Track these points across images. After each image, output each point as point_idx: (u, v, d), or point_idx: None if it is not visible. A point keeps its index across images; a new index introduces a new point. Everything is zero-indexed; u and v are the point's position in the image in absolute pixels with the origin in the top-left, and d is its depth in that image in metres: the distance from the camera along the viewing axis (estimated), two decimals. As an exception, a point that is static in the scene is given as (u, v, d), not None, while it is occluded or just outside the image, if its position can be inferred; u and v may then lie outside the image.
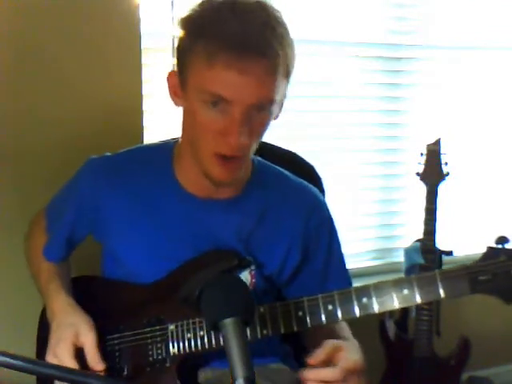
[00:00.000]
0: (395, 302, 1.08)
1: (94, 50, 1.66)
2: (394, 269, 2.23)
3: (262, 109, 1.07)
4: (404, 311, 2.12)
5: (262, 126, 1.10)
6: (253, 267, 1.19)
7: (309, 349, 1.26)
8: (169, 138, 1.35)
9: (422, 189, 1.97)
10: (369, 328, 1.98)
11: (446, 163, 1.94)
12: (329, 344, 1.03)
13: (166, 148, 1.26)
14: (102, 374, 1.12)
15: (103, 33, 1.66)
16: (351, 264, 2.21)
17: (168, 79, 1.15)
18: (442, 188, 1.96)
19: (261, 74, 1.03)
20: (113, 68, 1.69)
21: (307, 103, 2.10)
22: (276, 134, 1.78)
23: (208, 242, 1.19)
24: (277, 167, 1.30)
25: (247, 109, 1.04)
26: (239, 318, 0.83)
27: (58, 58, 1.63)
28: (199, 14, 1.08)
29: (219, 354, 1.16)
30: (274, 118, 1.15)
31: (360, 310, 1.09)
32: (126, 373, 1.17)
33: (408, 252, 2.05)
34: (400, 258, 2.14)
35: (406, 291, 1.08)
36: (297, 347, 1.34)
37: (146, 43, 1.72)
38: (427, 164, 1.95)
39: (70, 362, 1.10)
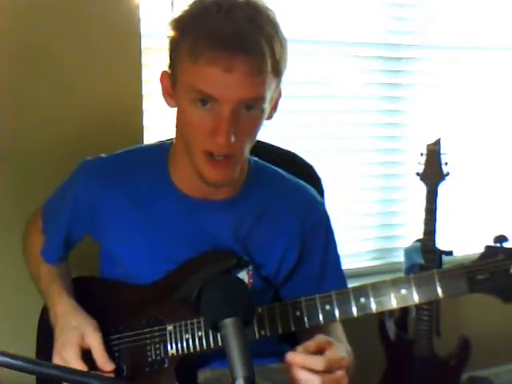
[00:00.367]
0: (393, 302, 1.08)
1: (94, 49, 1.66)
2: (393, 269, 2.23)
3: (252, 107, 1.06)
4: (404, 311, 2.12)
5: (253, 125, 1.10)
6: (250, 267, 1.19)
7: None
8: (169, 138, 1.35)
9: (422, 189, 1.97)
10: (369, 328, 1.99)
11: (446, 163, 1.94)
12: (320, 337, 1.02)
13: (161, 149, 1.25)
14: (110, 374, 1.12)
15: (103, 33, 1.66)
16: (351, 264, 2.24)
17: (161, 80, 1.15)
18: (442, 188, 1.96)
19: (247, 71, 1.02)
20: (113, 68, 1.69)
21: (307, 103, 2.10)
22: (276, 134, 1.80)
23: (206, 243, 1.19)
24: (273, 167, 1.30)
25: (235, 107, 1.03)
26: (239, 318, 0.82)
27: (58, 58, 1.64)
28: (187, 14, 1.08)
29: (219, 355, 1.16)
30: (268, 118, 1.14)
31: (358, 310, 1.09)
32: (125, 373, 1.17)
33: (408, 252, 2.05)
34: (400, 257, 2.14)
35: (403, 291, 1.07)
36: (295, 347, 1.34)
37: (145, 43, 1.72)
38: (427, 164, 1.95)
39: (78, 365, 1.11)
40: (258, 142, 1.47)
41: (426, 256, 1.96)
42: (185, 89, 1.07)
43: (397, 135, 2.28)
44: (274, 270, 1.25)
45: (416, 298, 1.07)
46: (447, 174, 1.94)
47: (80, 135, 1.66)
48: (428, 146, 1.96)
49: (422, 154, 1.96)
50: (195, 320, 1.14)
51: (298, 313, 1.11)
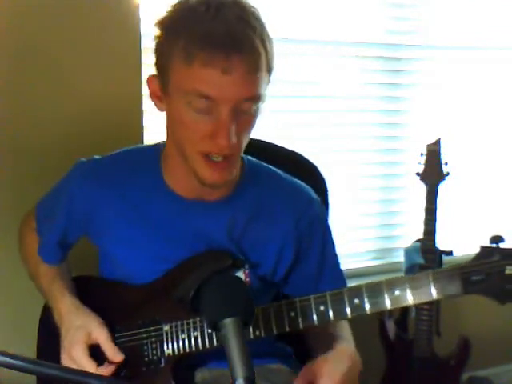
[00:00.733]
0: (387, 303, 1.07)
1: (94, 49, 1.66)
2: (393, 269, 2.22)
3: (249, 106, 1.06)
4: (404, 311, 2.12)
5: (250, 124, 1.10)
6: (246, 266, 1.18)
7: (311, 348, 1.26)
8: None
9: (422, 189, 1.97)
10: (369, 328, 1.98)
11: (446, 163, 1.94)
12: (306, 369, 1.06)
13: (154, 150, 1.25)
14: (121, 363, 1.14)
15: (103, 33, 1.66)
16: (351, 264, 2.24)
17: (148, 84, 1.14)
18: (442, 188, 1.96)
19: (244, 71, 1.02)
20: (113, 68, 1.69)
21: (307, 103, 2.10)
22: (276, 134, 1.80)
23: (201, 243, 1.19)
24: (269, 166, 1.29)
25: (234, 107, 1.04)
26: (239, 318, 0.82)
27: (58, 58, 1.64)
28: (173, 15, 1.07)
29: (216, 355, 1.16)
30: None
31: (352, 310, 1.08)
32: (123, 373, 1.17)
33: (408, 252, 2.05)
34: (400, 258, 2.14)
35: (397, 292, 1.07)
36: (298, 347, 1.34)
37: (145, 43, 1.71)
38: (427, 164, 1.95)
39: (87, 362, 1.12)
40: (262, 141, 1.48)
41: (426, 256, 1.95)
42: (179, 92, 1.06)
43: (397, 135, 2.28)
44: (270, 270, 1.24)
45: (410, 299, 1.07)
46: (447, 174, 1.94)
47: (80, 135, 1.66)
48: (428, 146, 1.96)
49: (422, 154, 1.96)
50: (191, 320, 1.14)
51: (292, 313, 1.11)
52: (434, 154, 1.94)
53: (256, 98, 1.06)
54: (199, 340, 1.13)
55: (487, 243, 1.08)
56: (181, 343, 1.14)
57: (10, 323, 1.70)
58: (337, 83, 2.12)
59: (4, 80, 1.60)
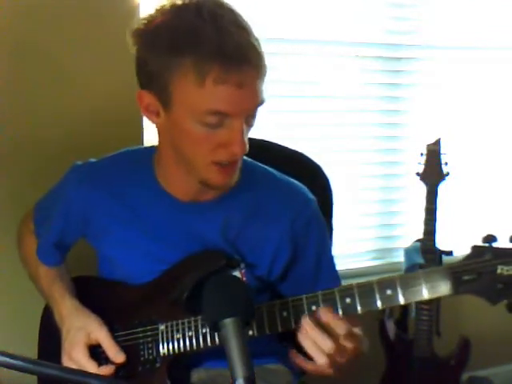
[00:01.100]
0: (378, 303, 1.06)
1: (94, 49, 1.66)
2: (393, 269, 2.22)
3: (256, 110, 1.07)
4: (404, 311, 2.12)
5: (253, 124, 1.10)
6: (242, 266, 1.18)
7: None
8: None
9: (422, 189, 1.97)
10: (369, 328, 1.98)
11: (446, 163, 1.94)
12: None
13: (148, 153, 1.24)
14: (123, 364, 1.14)
15: (103, 32, 1.66)
16: (351, 264, 2.24)
17: (140, 100, 1.09)
18: (442, 188, 1.96)
19: (254, 81, 1.03)
20: (113, 68, 1.68)
21: (307, 103, 2.10)
22: (276, 134, 1.80)
23: (196, 243, 1.19)
24: (265, 166, 1.28)
25: (246, 117, 1.05)
26: (239, 318, 0.83)
27: (58, 58, 1.64)
28: (165, 26, 1.02)
29: (213, 355, 1.16)
30: None
31: (343, 310, 1.08)
32: (121, 373, 1.17)
33: (408, 252, 2.05)
34: (400, 258, 2.14)
35: (389, 291, 1.06)
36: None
37: (145, 43, 1.71)
38: (427, 164, 1.95)
39: (88, 363, 1.13)
40: (265, 142, 1.48)
41: (426, 256, 1.95)
42: (187, 111, 1.03)
43: (397, 135, 2.28)
44: (266, 270, 1.24)
45: (401, 299, 1.06)
46: (447, 174, 1.94)
47: (80, 135, 1.66)
48: (428, 146, 1.95)
49: (421, 154, 1.96)
50: (186, 320, 1.14)
51: (284, 313, 1.10)
52: (433, 153, 1.94)
53: (262, 103, 1.07)
54: (194, 340, 1.13)
55: (479, 242, 1.06)
56: (176, 343, 1.14)
57: (10, 323, 1.70)
58: (337, 83, 2.12)
59: (4, 80, 1.60)
